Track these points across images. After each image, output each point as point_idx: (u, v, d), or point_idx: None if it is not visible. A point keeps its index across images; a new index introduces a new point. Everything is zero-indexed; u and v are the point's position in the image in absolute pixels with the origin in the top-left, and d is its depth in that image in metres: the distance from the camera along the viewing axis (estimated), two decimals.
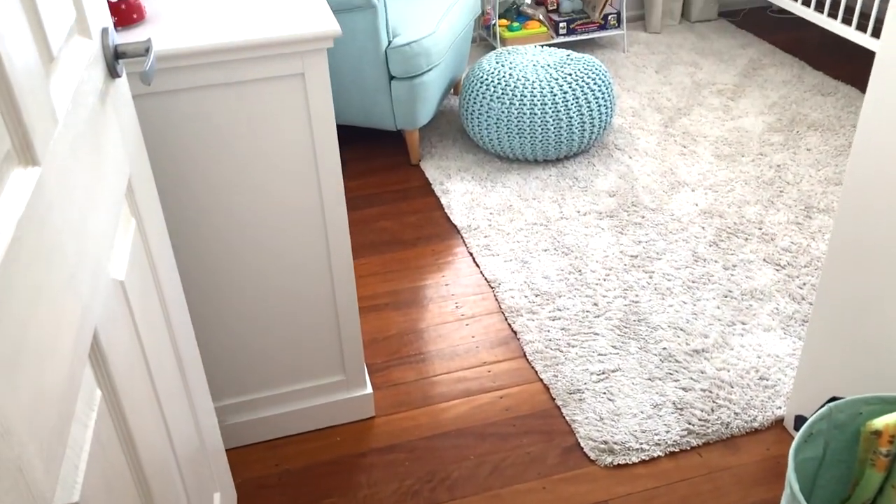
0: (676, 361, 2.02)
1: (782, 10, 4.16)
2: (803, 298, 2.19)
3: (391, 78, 2.73)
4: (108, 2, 1.36)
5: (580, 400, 1.92)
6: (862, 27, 3.50)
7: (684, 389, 1.93)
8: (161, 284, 1.21)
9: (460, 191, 2.76)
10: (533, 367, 2.04)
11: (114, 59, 1.11)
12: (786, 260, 2.34)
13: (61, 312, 0.73)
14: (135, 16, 1.40)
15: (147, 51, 1.12)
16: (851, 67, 3.54)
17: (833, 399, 1.37)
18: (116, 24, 1.39)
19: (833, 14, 3.90)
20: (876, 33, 3.19)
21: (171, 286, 1.27)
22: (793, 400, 1.81)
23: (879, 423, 1.30)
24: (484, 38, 3.88)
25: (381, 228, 2.62)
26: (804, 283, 2.25)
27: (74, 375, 0.75)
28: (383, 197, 2.78)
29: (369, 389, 1.90)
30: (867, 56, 3.62)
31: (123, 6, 1.38)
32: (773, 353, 2.02)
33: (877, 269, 1.47)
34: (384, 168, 2.95)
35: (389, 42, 2.67)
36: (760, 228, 2.49)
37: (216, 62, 1.40)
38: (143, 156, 1.24)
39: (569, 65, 2.86)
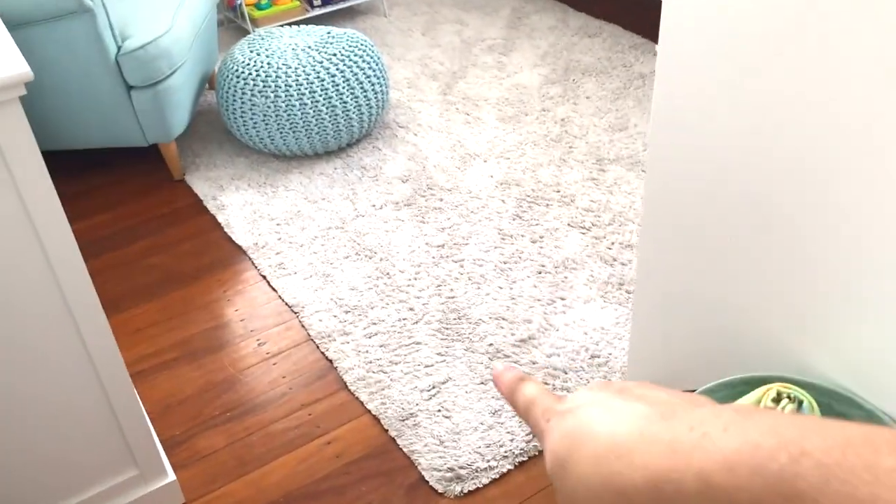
0: (505, 356, 1.89)
1: None
2: (614, 260, 2.14)
3: (129, 88, 2.33)
4: None
5: (415, 425, 1.74)
6: None
7: None
8: None
9: (238, 203, 2.45)
10: (357, 399, 1.83)
11: None
12: (589, 221, 2.28)
13: None
14: None
15: None
16: (611, 5, 3.56)
17: None
18: None
19: None
20: None
21: None
22: (628, 375, 1.74)
23: None
24: (232, 19, 3.50)
25: (152, 265, 2.26)
26: (612, 244, 2.20)
27: None
28: (148, 226, 2.41)
29: (171, 476, 1.60)
30: None
31: None
32: (598, 326, 1.95)
33: (691, 231, 1.39)
34: (142, 191, 2.56)
35: (119, 48, 2.27)
36: (559, 191, 2.41)
37: None
38: None
39: (331, 44, 2.60)
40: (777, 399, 1.19)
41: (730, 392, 1.29)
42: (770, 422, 0.29)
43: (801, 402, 1.18)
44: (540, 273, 2.12)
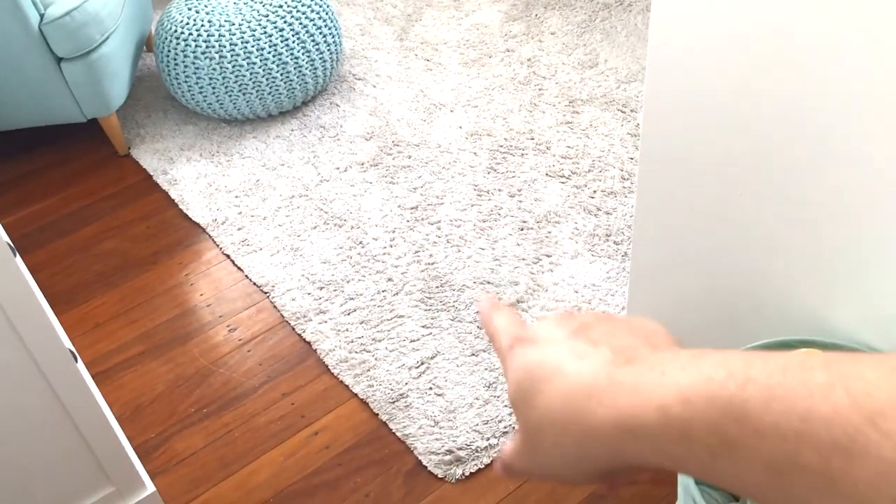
0: None
1: None
2: (598, 209, 2.03)
3: (59, 60, 2.12)
4: None
5: (406, 407, 1.64)
6: None
7: None
8: None
9: (191, 176, 2.28)
10: (342, 382, 1.71)
11: None
12: (568, 169, 2.16)
13: None
14: None
15: None
16: None
17: None
18: None
19: None
20: None
21: None
22: None
23: None
24: None
25: (105, 252, 2.10)
26: (594, 192, 2.08)
27: None
28: (96, 209, 2.23)
29: (151, 487, 1.48)
30: None
31: None
32: (588, 283, 1.86)
33: (694, 182, 1.28)
34: (86, 170, 2.37)
35: (41, 16, 2.05)
36: (532, 138, 2.28)
37: None
38: None
39: None
40: None
41: None
42: (721, 357, 0.32)
43: None
44: (522, 230, 2.00)
